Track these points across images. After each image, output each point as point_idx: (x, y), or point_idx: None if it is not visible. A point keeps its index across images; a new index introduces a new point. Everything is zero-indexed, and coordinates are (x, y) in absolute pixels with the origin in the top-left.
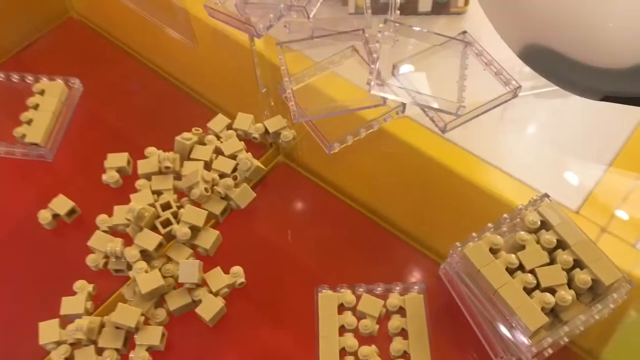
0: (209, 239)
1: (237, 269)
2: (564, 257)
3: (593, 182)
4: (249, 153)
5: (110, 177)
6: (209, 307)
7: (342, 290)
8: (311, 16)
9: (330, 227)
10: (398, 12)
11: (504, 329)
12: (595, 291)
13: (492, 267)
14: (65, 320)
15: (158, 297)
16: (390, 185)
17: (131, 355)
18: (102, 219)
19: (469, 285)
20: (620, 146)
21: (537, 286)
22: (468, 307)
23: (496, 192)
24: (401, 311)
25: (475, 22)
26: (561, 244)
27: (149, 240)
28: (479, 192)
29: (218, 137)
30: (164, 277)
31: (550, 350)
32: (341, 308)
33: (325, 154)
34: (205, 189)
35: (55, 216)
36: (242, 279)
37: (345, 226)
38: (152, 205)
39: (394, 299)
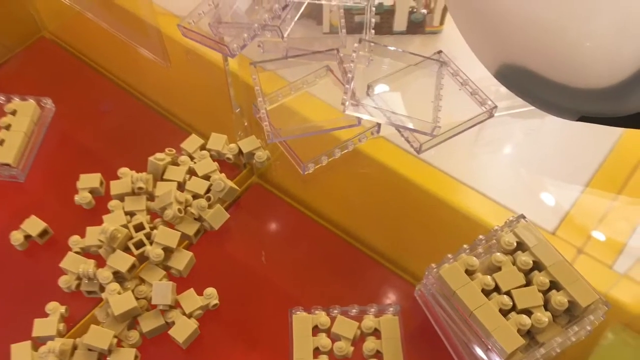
0: (182, 260)
1: (210, 291)
2: (540, 278)
3: (569, 203)
4: (223, 174)
5: (82, 197)
6: (183, 329)
7: (317, 312)
8: (285, 36)
9: (304, 249)
10: (373, 31)
11: (479, 351)
12: (571, 313)
13: (467, 288)
14: (38, 343)
15: (131, 319)
16: (365, 206)
17: None
18: (74, 240)
19: (445, 306)
20: (596, 167)
21: (513, 308)
22: (443, 329)
23: (472, 213)
24: (376, 333)
25: (450, 41)
26: (537, 266)
27: (122, 261)
28: (455, 213)
29: (191, 158)
30: (137, 298)
31: None
32: (315, 330)
33: (299, 175)
34: (179, 210)
35: (27, 237)
36: (216, 301)
37: (319, 247)
38: (125, 226)
39: (369, 321)
